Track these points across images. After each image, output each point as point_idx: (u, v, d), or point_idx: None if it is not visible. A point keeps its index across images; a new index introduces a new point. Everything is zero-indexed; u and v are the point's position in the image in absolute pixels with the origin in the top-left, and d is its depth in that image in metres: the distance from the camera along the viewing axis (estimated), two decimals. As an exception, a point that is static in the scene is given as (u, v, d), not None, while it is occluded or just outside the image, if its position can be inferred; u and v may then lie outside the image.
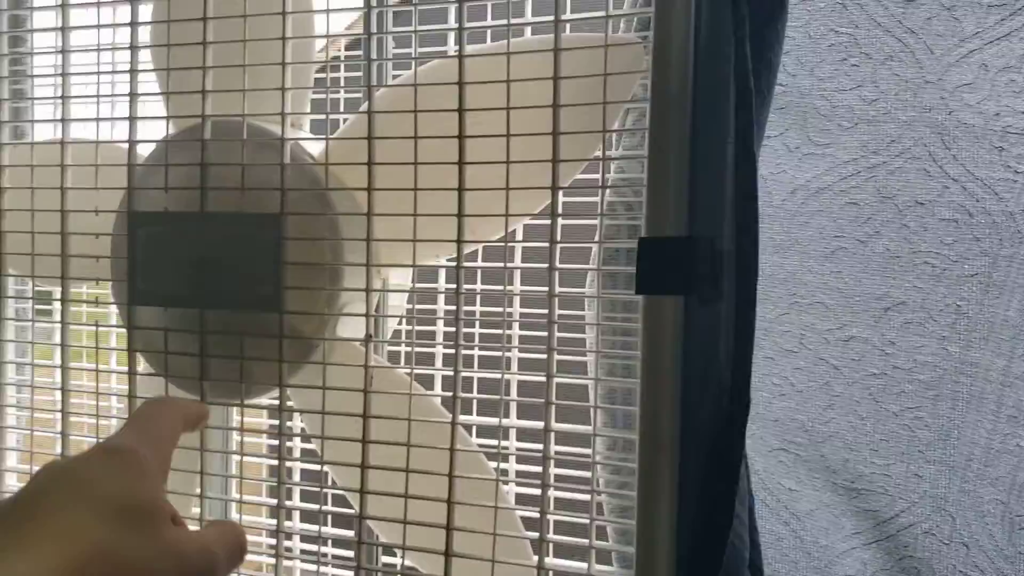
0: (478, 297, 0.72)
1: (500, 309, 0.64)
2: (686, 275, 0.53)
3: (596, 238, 0.61)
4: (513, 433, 0.68)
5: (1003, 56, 0.56)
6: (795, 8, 0.61)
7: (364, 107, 0.60)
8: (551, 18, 0.55)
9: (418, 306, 0.74)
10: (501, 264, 0.60)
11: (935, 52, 0.57)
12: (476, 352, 0.67)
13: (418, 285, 0.69)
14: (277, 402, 0.62)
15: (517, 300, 0.68)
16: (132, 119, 0.64)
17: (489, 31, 0.65)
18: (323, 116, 0.66)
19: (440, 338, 0.71)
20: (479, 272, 0.72)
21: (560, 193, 0.61)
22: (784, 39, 0.54)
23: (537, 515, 0.57)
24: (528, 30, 0.64)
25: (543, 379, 0.57)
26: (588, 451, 0.59)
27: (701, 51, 0.52)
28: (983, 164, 0.57)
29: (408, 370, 0.61)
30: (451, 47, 0.69)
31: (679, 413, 0.53)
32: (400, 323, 0.72)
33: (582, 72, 0.56)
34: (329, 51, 0.72)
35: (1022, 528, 0.57)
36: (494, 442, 0.59)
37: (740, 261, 0.52)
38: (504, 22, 0.58)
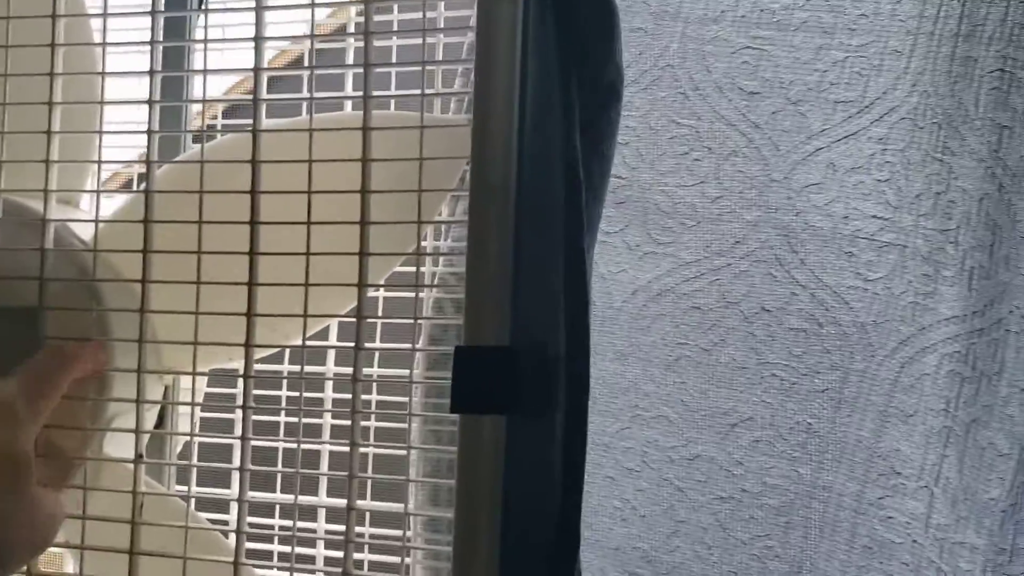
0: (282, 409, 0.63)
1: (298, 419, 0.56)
2: (507, 391, 0.46)
3: (419, 341, 0.55)
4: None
5: (851, 156, 0.53)
6: (635, 97, 0.56)
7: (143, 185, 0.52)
8: (359, 94, 0.49)
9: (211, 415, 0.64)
10: (298, 368, 0.52)
11: (781, 149, 0.53)
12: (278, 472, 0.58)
13: (208, 389, 0.60)
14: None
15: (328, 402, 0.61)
16: None
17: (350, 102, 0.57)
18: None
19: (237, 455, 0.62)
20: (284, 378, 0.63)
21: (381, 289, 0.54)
22: (619, 129, 0.49)
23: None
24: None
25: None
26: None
27: (526, 139, 0.46)
28: (832, 270, 0.53)
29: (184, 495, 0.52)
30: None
31: (498, 548, 0.46)
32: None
33: (403, 155, 0.50)
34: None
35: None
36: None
37: (570, 375, 0.46)
38: (307, 95, 0.51)
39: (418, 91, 0.49)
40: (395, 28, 0.60)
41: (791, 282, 0.54)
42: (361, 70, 0.49)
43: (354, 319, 0.50)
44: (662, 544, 0.56)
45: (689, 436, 0.56)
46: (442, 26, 0.57)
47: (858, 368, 0.52)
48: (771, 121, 0.54)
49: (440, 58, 0.56)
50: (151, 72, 0.52)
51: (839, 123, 0.53)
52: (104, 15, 0.54)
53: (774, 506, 0.54)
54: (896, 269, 0.52)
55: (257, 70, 0.50)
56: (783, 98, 0.54)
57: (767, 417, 0.54)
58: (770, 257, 0.54)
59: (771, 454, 0.54)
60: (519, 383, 0.47)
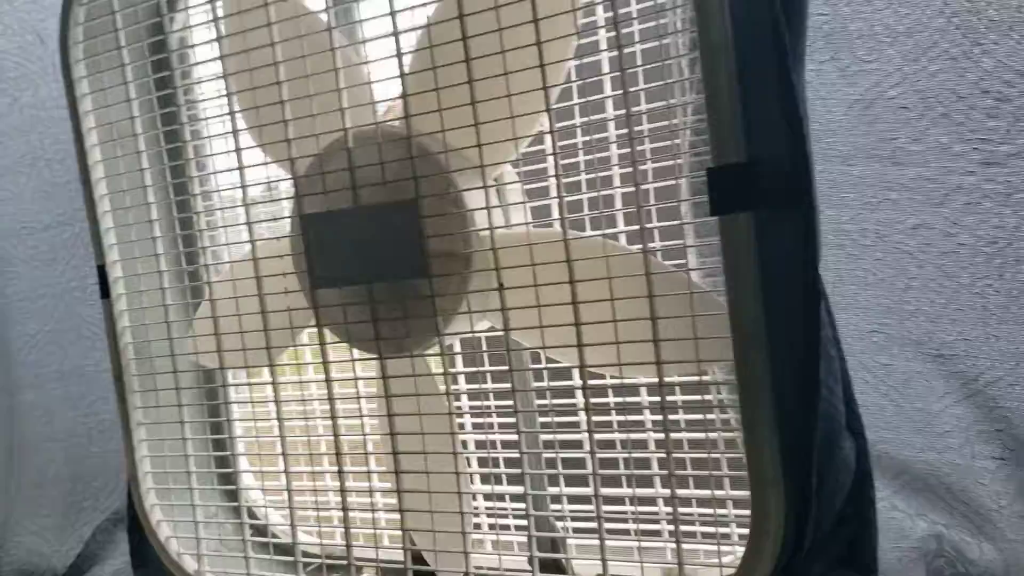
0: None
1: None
2: (750, 194, 0.62)
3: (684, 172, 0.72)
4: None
5: (1018, -47, 0.63)
6: (826, -54, 0.69)
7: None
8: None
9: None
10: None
11: (957, -38, 0.65)
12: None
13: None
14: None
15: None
16: (288, 141, 0.79)
17: None
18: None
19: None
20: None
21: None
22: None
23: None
24: None
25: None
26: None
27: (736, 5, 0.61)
28: (1012, 52, 0.64)
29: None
30: None
31: (762, 309, 0.63)
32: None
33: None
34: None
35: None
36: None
37: (793, 175, 0.61)
38: None
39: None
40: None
41: (978, 70, 0.65)
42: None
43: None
44: (899, 297, 0.71)
45: (911, 211, 0.70)
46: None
47: (1047, 128, 0.64)
48: (946, -59, 0.65)
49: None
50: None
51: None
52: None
53: (988, 252, 0.67)
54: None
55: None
56: (954, -78, 0.64)
57: (974, 183, 0.67)
58: (958, 54, 0.66)
59: (980, 212, 0.67)
60: (760, 188, 0.63)
